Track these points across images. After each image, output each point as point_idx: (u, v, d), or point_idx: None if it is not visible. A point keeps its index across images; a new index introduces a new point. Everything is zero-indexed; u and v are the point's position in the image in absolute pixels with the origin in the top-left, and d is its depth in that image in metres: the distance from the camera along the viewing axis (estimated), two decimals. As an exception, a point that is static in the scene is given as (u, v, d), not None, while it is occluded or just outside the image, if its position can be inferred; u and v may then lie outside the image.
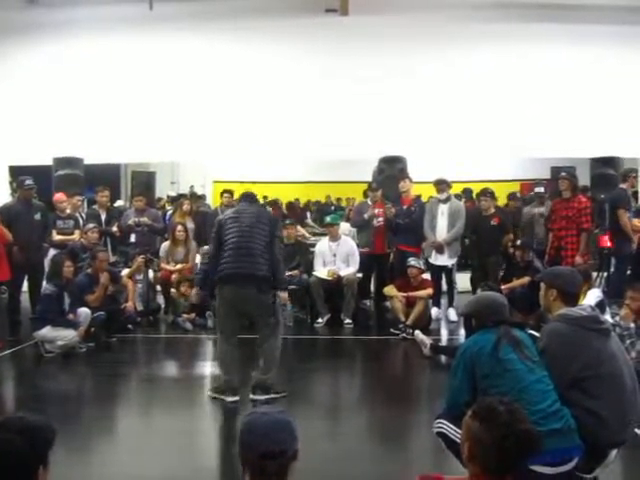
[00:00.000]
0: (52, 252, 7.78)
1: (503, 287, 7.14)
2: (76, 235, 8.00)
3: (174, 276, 8.15)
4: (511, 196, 11.46)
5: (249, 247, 5.03)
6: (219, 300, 5.18)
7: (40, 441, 1.85)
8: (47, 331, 6.55)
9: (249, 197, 5.50)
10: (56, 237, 7.91)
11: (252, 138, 10.22)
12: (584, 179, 10.31)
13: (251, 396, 5.05)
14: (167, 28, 10.23)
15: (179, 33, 10.29)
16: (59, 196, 8.32)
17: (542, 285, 3.44)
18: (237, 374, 5.17)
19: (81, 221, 8.37)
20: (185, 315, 7.87)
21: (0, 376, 6.28)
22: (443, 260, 8.09)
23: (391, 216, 8.15)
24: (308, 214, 14.24)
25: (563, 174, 7.94)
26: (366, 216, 8.41)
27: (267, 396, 5.03)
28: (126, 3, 10.06)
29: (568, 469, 2.84)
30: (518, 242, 7.78)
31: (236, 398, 5.06)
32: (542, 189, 8.67)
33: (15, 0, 9.75)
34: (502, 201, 11.45)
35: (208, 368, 6.45)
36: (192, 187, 14.03)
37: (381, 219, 8.34)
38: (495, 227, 8.13)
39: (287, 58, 10.25)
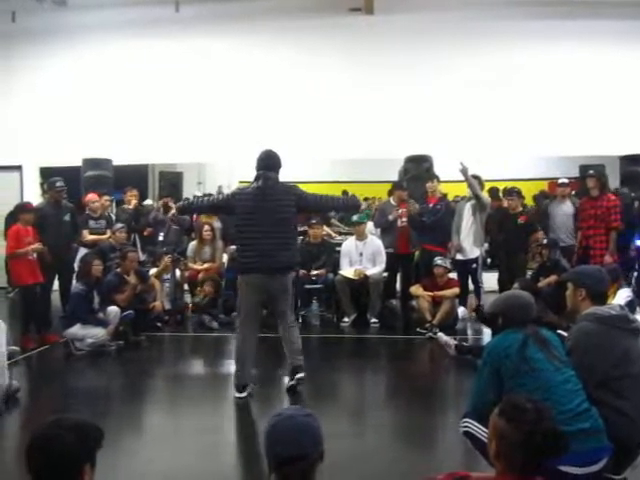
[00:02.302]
0: (82, 252, 7.90)
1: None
2: (107, 235, 8.11)
3: (201, 275, 8.21)
4: (538, 196, 11.38)
5: (273, 244, 4.99)
6: (243, 286, 5.16)
7: (90, 440, 1.93)
8: (77, 329, 6.66)
9: (266, 186, 5.04)
10: (88, 237, 8.02)
11: (277, 138, 10.24)
12: (614, 177, 10.17)
13: (291, 382, 5.07)
14: (193, 30, 10.34)
15: (205, 34, 10.39)
16: (91, 196, 8.42)
17: (569, 285, 3.40)
18: (250, 367, 5.19)
19: (113, 221, 8.49)
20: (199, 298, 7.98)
21: (32, 373, 6.43)
22: (467, 253, 8.03)
23: (415, 212, 8.09)
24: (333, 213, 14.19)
25: (591, 172, 7.84)
26: (390, 218, 8.29)
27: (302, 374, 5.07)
28: (153, 5, 10.18)
29: (596, 470, 2.81)
30: (545, 241, 7.69)
31: (243, 395, 5.05)
32: (566, 180, 8.52)
33: (44, 3, 9.88)
34: (530, 200, 11.37)
35: (234, 366, 6.49)
36: (220, 187, 14.13)
37: (405, 219, 8.28)
38: (522, 226, 8.07)
39: (311, 58, 10.27)
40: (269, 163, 5.13)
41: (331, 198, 5.33)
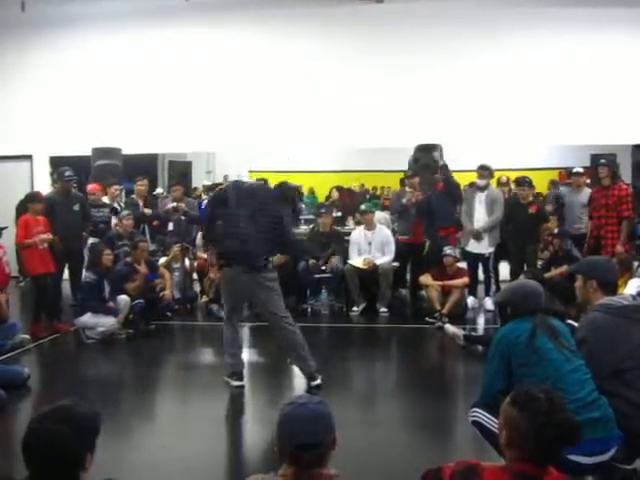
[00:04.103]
0: (91, 241, 7.92)
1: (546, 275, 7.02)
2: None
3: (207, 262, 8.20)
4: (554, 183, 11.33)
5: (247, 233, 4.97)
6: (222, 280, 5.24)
7: (87, 429, 1.91)
8: (88, 318, 6.71)
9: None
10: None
11: (287, 127, 10.24)
12: (626, 166, 10.09)
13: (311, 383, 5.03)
14: (202, 19, 10.32)
15: (214, 23, 10.37)
16: (92, 187, 8.45)
17: (579, 277, 3.37)
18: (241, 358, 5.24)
19: (119, 209, 8.49)
20: (205, 298, 8.02)
21: (43, 361, 6.48)
22: (481, 248, 8.00)
23: (419, 199, 8.12)
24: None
25: (603, 161, 7.77)
26: (404, 201, 8.33)
27: (316, 382, 4.99)
28: (162, -6, 10.16)
29: (606, 459, 2.80)
30: (556, 231, 7.65)
31: (241, 383, 5.10)
32: (580, 169, 8.43)
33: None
34: (542, 189, 11.30)
35: (243, 355, 6.53)
36: (226, 177, 14.11)
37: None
38: (533, 215, 8.02)
39: (321, 46, 10.23)
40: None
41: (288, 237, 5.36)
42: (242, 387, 5.11)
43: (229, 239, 5.00)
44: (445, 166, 8.19)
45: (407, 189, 8.60)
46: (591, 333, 3.10)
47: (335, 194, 11.40)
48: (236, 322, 5.28)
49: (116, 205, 8.57)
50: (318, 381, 4.99)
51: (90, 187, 8.48)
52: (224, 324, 5.24)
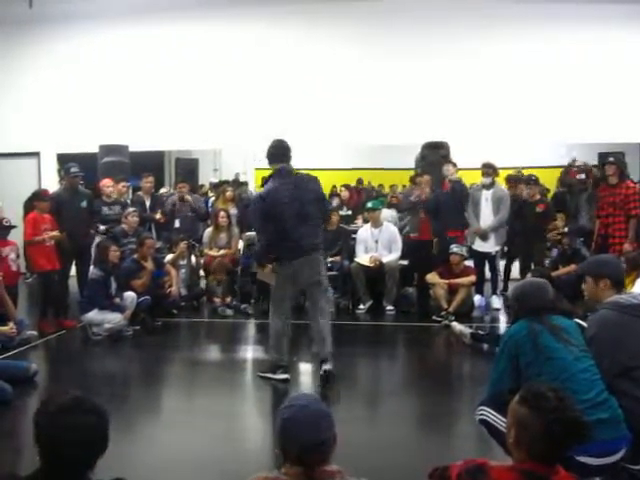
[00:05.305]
0: (98, 238, 7.91)
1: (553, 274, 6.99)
2: None
3: (213, 263, 8.18)
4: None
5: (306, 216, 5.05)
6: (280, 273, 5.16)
7: (106, 420, 1.93)
8: (94, 315, 6.72)
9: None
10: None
11: (293, 125, 10.22)
12: (634, 165, 10.04)
13: (324, 367, 5.06)
14: (209, 16, 10.32)
15: (220, 20, 10.38)
16: (105, 181, 8.39)
17: (588, 278, 3.34)
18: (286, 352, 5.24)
19: (128, 207, 8.47)
20: (217, 299, 7.98)
21: (50, 358, 6.49)
22: (488, 247, 7.99)
23: (427, 196, 8.11)
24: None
25: (610, 159, 7.74)
26: (412, 198, 8.37)
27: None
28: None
29: (615, 460, 2.78)
30: (565, 229, 7.62)
31: (286, 376, 5.14)
32: (583, 176, 8.42)
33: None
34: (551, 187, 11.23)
35: (250, 352, 6.54)
36: (237, 174, 14.15)
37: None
38: (540, 214, 7.99)
39: (328, 43, 10.21)
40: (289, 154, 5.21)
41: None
42: (287, 380, 5.14)
43: (297, 231, 4.98)
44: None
45: (415, 186, 8.61)
46: (600, 330, 3.09)
47: (345, 193, 11.40)
48: (288, 316, 5.24)
49: (125, 201, 8.56)
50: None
51: (103, 182, 8.39)
52: (273, 317, 5.23)
